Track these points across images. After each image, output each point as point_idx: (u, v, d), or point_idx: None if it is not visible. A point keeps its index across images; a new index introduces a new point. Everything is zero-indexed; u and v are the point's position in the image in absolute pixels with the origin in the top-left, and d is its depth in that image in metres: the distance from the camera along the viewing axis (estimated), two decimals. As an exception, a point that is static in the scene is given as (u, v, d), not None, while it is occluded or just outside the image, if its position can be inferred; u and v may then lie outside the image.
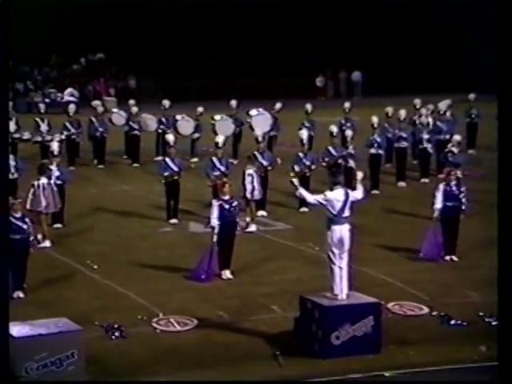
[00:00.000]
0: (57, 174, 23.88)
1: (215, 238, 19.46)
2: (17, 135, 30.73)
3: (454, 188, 20.85)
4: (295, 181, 16.69)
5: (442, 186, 20.86)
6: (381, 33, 52.85)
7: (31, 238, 18.54)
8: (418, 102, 33.67)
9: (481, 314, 17.23)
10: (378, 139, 28.91)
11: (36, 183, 22.15)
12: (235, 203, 19.91)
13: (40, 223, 21.48)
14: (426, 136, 29.86)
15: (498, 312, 12.62)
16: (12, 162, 24.31)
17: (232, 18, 51.41)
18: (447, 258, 20.75)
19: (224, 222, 19.51)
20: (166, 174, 24.53)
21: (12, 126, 31.52)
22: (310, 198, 16.50)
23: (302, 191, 16.76)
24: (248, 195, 23.12)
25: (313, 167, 25.75)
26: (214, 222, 19.45)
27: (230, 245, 19.71)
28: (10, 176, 24.09)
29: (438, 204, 20.60)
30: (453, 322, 17.04)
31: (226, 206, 19.63)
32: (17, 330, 14.61)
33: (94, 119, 33.74)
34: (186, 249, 21.43)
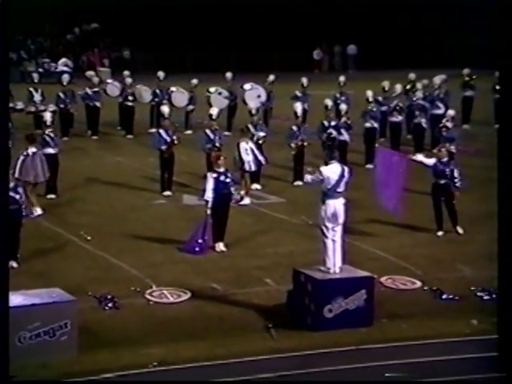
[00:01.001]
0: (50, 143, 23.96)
1: (209, 211, 19.50)
2: (10, 105, 30.63)
3: (445, 161, 20.90)
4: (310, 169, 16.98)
5: (431, 161, 20.97)
6: (376, 6, 52.72)
7: (23, 207, 18.55)
8: (412, 76, 33.72)
9: (473, 288, 17.34)
10: (373, 113, 28.95)
11: (25, 152, 22.16)
12: (229, 175, 19.93)
13: (29, 192, 21.48)
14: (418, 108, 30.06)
15: (498, 285, 12.57)
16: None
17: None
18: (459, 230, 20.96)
19: (218, 194, 19.54)
20: (164, 147, 24.53)
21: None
22: (310, 177, 16.51)
23: (307, 176, 16.79)
24: (246, 166, 23.12)
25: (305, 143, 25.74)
26: (209, 194, 19.47)
27: (224, 217, 19.76)
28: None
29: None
30: (445, 296, 17.15)
31: (221, 178, 19.66)
32: (11, 299, 14.69)
33: (87, 90, 33.72)
34: (179, 221, 21.54)
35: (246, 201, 23.18)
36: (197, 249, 19.35)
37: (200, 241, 19.41)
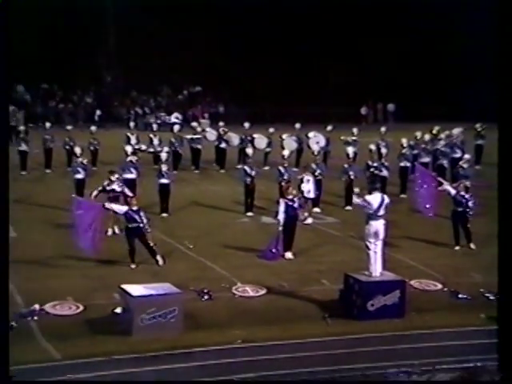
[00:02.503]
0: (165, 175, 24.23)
1: (281, 228, 19.57)
2: (137, 147, 31.10)
3: (462, 194, 20.79)
4: (356, 190, 17.39)
5: (454, 191, 20.86)
6: (414, 75, 52.57)
7: (145, 226, 18.54)
8: (437, 128, 33.50)
9: (481, 290, 17.18)
10: (406, 155, 28.84)
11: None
12: (296, 201, 19.98)
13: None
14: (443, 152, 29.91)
15: (498, 289, 12.42)
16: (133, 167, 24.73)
17: (293, 64, 51.49)
18: (472, 245, 20.71)
19: (288, 215, 19.59)
20: (248, 180, 24.67)
21: (133, 140, 32.05)
22: (357, 200, 16.57)
23: (356, 199, 16.81)
24: (306, 195, 23.13)
25: (353, 177, 25.65)
26: (281, 215, 19.55)
27: (291, 233, 19.73)
28: (130, 176, 24.50)
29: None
30: (460, 295, 17.01)
31: (290, 203, 19.70)
32: (134, 290, 14.92)
33: (192, 136, 34.11)
34: (258, 235, 21.46)
35: (309, 220, 23.21)
36: (271, 256, 19.43)
37: (274, 250, 19.46)
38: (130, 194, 20.81)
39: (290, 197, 19.81)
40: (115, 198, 20.99)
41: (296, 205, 19.83)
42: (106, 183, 21.34)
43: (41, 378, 12.55)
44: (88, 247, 18.23)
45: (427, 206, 21.48)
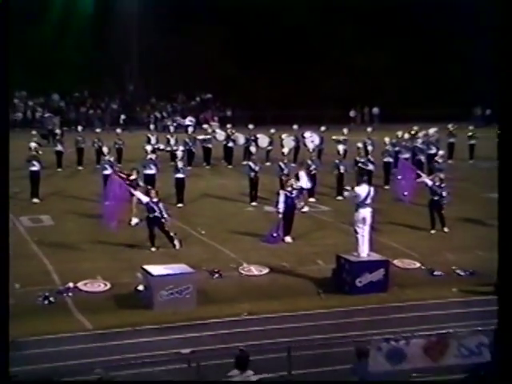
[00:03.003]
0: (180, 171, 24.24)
1: (281, 216, 19.58)
2: (156, 146, 31.05)
3: (437, 185, 20.78)
4: (348, 187, 17.24)
5: (430, 182, 20.86)
6: (396, 84, 52.63)
7: (163, 216, 18.49)
8: (415, 128, 33.43)
9: (454, 267, 17.19)
10: (389, 152, 28.80)
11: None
12: (294, 193, 19.96)
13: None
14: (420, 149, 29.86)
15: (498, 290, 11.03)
16: (153, 164, 24.71)
17: (291, 74, 51.46)
18: (445, 229, 20.67)
19: (287, 205, 19.59)
20: (252, 174, 24.65)
21: (153, 141, 32.02)
22: (346, 193, 16.62)
23: (347, 193, 16.84)
24: (303, 185, 22.91)
25: (343, 171, 25.67)
26: (281, 205, 19.56)
27: (290, 220, 19.74)
28: (150, 171, 24.48)
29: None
30: (435, 273, 17.00)
31: (289, 195, 19.71)
32: (154, 270, 14.93)
33: (206, 136, 34.07)
34: (262, 222, 21.43)
35: (305, 209, 23.19)
36: (272, 240, 19.43)
37: (275, 235, 19.45)
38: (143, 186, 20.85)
39: (289, 189, 19.82)
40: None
41: (294, 196, 19.83)
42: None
43: (74, 346, 12.63)
44: (112, 218, 18.52)
45: (405, 193, 21.62)
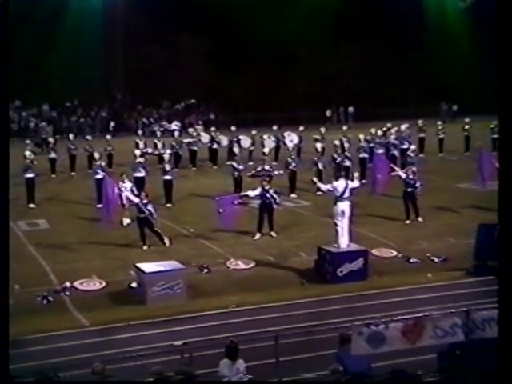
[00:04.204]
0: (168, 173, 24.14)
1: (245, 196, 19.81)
2: (144, 150, 30.85)
3: (411, 177, 20.81)
4: (315, 179, 16.96)
5: (404, 175, 20.89)
6: (368, 84, 52.84)
7: (152, 216, 18.39)
8: (388, 125, 33.49)
9: (428, 255, 17.24)
10: (364, 148, 28.81)
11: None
12: (270, 191, 19.52)
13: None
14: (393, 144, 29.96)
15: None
16: (142, 167, 24.59)
17: (269, 78, 51.53)
18: (419, 219, 20.68)
19: (263, 201, 19.38)
20: (236, 173, 24.55)
21: (141, 145, 31.82)
22: (324, 187, 16.62)
23: (319, 184, 16.90)
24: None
25: (322, 167, 25.68)
26: (251, 193, 19.48)
27: (270, 216, 19.55)
28: (140, 174, 24.33)
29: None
30: (411, 260, 17.06)
31: (264, 193, 19.40)
32: (146, 268, 14.87)
33: (189, 139, 33.95)
34: (246, 218, 21.20)
35: (287, 204, 22.70)
36: (227, 204, 18.84)
37: (235, 202, 19.28)
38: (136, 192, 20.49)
39: (268, 187, 19.53)
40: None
41: (269, 195, 19.38)
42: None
43: (73, 342, 12.54)
44: (106, 216, 18.59)
45: (378, 190, 21.85)
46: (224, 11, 47.86)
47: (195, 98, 52.96)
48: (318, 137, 31.66)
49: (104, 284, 15.64)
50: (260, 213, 19.50)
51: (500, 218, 8.61)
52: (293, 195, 24.81)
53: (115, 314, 13.83)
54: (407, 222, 20.74)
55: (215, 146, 33.84)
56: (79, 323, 13.56)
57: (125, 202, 20.20)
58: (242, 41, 49.64)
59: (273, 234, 19.56)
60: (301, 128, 34.15)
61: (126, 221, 20.69)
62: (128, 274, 15.80)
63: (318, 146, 27.55)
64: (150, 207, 18.48)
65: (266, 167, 24.65)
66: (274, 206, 19.61)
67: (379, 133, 31.30)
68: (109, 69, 50.72)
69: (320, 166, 25.61)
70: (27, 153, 26.13)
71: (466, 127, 35.02)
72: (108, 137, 34.26)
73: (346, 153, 27.50)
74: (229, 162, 29.82)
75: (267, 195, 19.35)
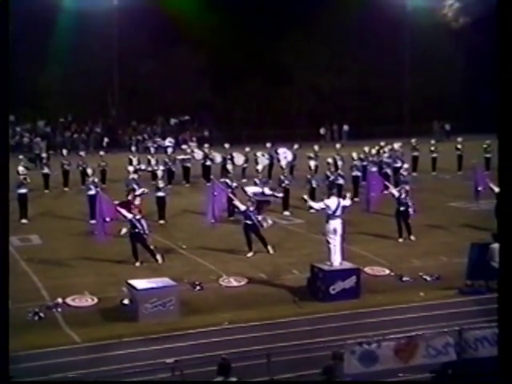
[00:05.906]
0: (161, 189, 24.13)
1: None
2: (138, 166, 30.85)
3: (404, 196, 20.86)
4: (305, 197, 17.02)
5: (397, 193, 20.93)
6: (362, 103, 53.16)
7: (145, 232, 18.38)
8: (382, 143, 33.61)
9: (420, 273, 17.25)
10: (357, 166, 28.87)
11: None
12: (252, 210, 19.37)
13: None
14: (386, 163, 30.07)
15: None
16: (135, 183, 24.55)
17: (263, 96, 51.77)
18: (412, 237, 20.72)
19: (246, 221, 19.30)
20: (229, 190, 24.44)
21: (135, 162, 31.83)
22: (316, 205, 16.62)
23: (310, 203, 16.93)
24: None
25: (315, 185, 25.72)
26: (238, 203, 19.69)
27: (259, 236, 19.42)
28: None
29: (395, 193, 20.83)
30: (404, 278, 17.05)
31: (247, 212, 19.37)
32: (139, 284, 14.82)
33: (183, 156, 33.97)
34: (239, 235, 21.02)
35: (270, 222, 22.03)
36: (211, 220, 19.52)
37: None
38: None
39: (251, 208, 19.41)
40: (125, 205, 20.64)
41: (251, 213, 19.29)
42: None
43: (64, 358, 12.47)
44: (100, 232, 18.56)
45: (374, 204, 22.10)
46: (219, 28, 48.11)
47: (190, 114, 53.11)
48: (312, 154, 31.73)
49: (96, 300, 15.58)
50: (245, 232, 19.44)
51: (499, 235, 8.58)
52: (286, 213, 24.82)
53: (107, 331, 13.77)
54: (400, 240, 20.76)
55: (209, 162, 33.87)
56: (71, 339, 13.48)
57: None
58: (236, 57, 49.82)
59: (270, 249, 19.45)
60: (295, 146, 34.22)
61: (124, 230, 20.69)
62: (120, 291, 15.73)
63: (312, 163, 27.62)
64: (143, 222, 18.46)
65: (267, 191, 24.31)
66: (259, 226, 19.41)
67: (373, 151, 31.40)
68: (104, 84, 50.82)
69: (313, 183, 25.67)
70: (20, 168, 26.10)
71: (459, 146, 35.27)
72: (102, 153, 34.31)
73: (340, 171, 27.54)
74: (222, 179, 29.83)
75: (252, 217, 19.23)
